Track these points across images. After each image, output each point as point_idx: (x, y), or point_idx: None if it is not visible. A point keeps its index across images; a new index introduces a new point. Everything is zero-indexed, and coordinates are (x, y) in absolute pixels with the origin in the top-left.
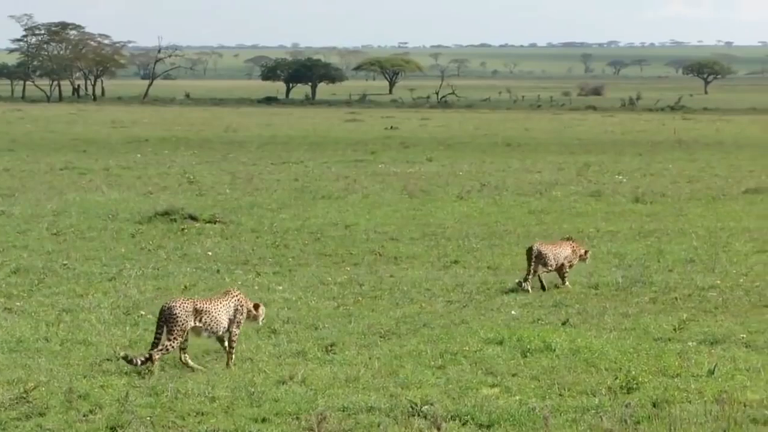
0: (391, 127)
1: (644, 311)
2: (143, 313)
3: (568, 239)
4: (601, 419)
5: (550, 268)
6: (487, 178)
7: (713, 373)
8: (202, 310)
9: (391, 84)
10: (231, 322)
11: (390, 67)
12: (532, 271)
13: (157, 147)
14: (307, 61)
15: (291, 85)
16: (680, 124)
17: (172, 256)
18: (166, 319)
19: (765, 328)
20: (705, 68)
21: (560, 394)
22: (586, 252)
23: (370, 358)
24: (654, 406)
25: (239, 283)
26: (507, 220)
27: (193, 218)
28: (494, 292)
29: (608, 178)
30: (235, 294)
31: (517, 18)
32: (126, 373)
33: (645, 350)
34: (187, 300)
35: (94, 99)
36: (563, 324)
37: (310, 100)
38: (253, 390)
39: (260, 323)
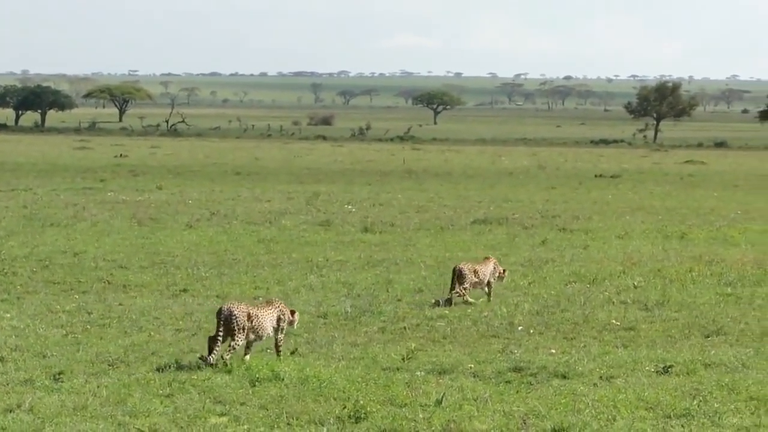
0: (121, 155)
1: (373, 340)
2: None
3: (487, 258)
4: None
5: (473, 282)
6: (217, 206)
7: (441, 403)
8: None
9: (121, 112)
10: (275, 328)
11: (120, 95)
12: (461, 288)
13: None
14: (37, 88)
15: (20, 112)
16: (409, 155)
17: None
18: (226, 321)
19: (492, 358)
20: (434, 99)
21: (288, 424)
22: (504, 271)
23: (98, 387)
24: None
25: None
26: (236, 248)
27: None
28: None
29: (337, 208)
30: (277, 304)
31: (248, 47)
32: None
33: (373, 379)
34: (242, 304)
35: None
36: (292, 353)
37: (39, 128)
38: None
39: (294, 327)
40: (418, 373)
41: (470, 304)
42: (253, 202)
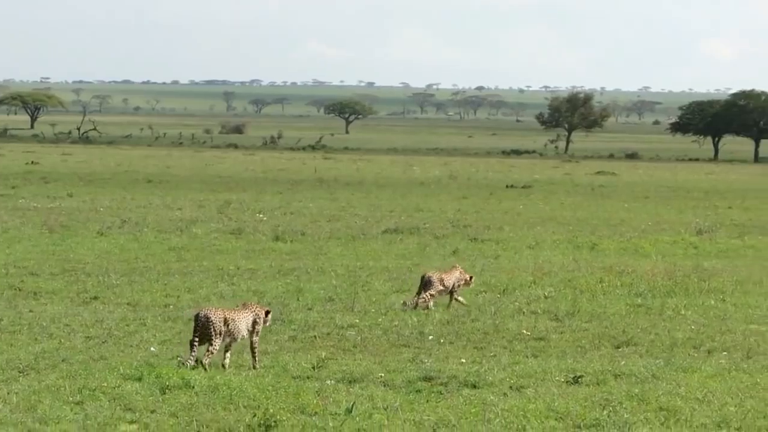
0: (32, 162)
1: (283, 349)
2: None
3: (453, 266)
4: None
5: (439, 290)
6: (128, 214)
7: (351, 412)
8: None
9: (33, 119)
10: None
11: (32, 102)
12: (427, 294)
13: None
14: None
15: None
16: (321, 164)
17: None
18: (204, 326)
19: (403, 367)
20: (346, 108)
21: (198, 431)
22: (471, 278)
23: (8, 393)
24: None
25: None
26: (147, 256)
27: None
28: (134, 329)
29: (249, 216)
30: (253, 307)
31: (159, 55)
32: None
33: (284, 388)
34: (219, 309)
35: None
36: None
37: None
38: None
39: (267, 325)
40: (329, 381)
41: (430, 310)
42: (164, 210)
